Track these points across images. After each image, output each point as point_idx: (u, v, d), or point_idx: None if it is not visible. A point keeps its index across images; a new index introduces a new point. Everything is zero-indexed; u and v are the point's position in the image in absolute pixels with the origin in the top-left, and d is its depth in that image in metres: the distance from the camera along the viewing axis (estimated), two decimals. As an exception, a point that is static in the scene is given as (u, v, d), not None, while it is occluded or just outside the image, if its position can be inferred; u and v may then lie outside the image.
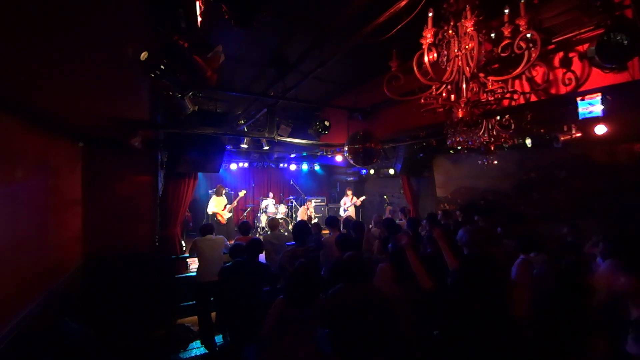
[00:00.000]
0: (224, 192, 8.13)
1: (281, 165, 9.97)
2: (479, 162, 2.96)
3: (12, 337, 2.47)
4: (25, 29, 1.58)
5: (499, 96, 2.06)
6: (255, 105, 5.90)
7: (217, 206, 7.87)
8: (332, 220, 4.55)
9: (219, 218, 7.85)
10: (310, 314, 2.43)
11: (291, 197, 9.85)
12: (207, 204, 8.68)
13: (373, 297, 2.58)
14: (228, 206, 7.99)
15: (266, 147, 7.20)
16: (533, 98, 2.93)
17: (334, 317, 2.56)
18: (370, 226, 5.38)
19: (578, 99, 2.99)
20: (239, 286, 3.35)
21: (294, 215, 9.42)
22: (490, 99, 2.04)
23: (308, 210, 9.00)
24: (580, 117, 3.04)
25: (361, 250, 3.78)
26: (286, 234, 6.44)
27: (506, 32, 1.97)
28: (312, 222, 5.28)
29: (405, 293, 2.69)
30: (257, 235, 7.55)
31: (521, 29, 1.85)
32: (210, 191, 9.05)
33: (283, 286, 2.88)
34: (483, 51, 1.98)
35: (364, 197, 9.44)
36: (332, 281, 2.88)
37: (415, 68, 2.07)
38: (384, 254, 3.60)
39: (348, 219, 5.92)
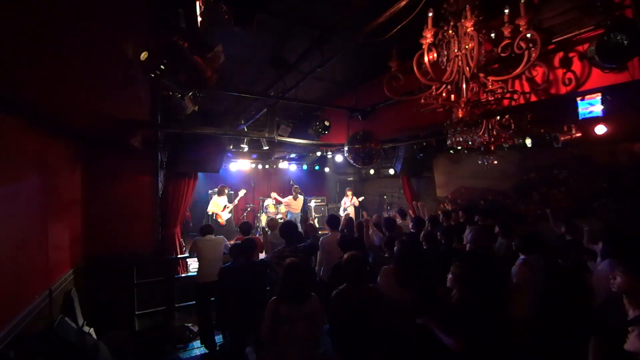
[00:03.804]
0: (226, 192, 8.12)
1: (281, 165, 9.97)
2: (479, 162, 2.96)
3: (12, 337, 2.47)
4: (25, 30, 1.58)
5: (499, 96, 2.06)
6: (255, 105, 5.89)
7: (217, 206, 7.86)
8: (332, 219, 4.54)
9: (218, 219, 7.84)
10: (304, 312, 2.44)
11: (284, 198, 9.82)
12: (208, 204, 8.69)
13: (377, 297, 2.59)
14: (229, 205, 8.00)
15: (266, 147, 7.20)
16: (533, 98, 2.93)
17: (338, 316, 2.56)
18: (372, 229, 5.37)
19: (578, 99, 2.99)
20: (238, 286, 3.35)
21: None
22: (490, 99, 2.04)
23: (296, 201, 8.91)
24: (580, 117, 3.04)
25: (364, 250, 3.77)
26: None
27: (506, 32, 1.97)
28: (308, 221, 5.23)
29: (408, 295, 2.69)
30: (258, 235, 7.55)
31: (521, 29, 1.85)
32: (210, 191, 9.05)
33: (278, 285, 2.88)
34: (483, 51, 1.98)
35: (362, 198, 9.44)
36: (335, 281, 2.88)
37: (415, 68, 2.07)
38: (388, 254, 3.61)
39: (349, 219, 5.91)
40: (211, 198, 8.66)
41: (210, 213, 7.94)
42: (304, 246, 3.74)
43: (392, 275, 2.84)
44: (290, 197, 8.92)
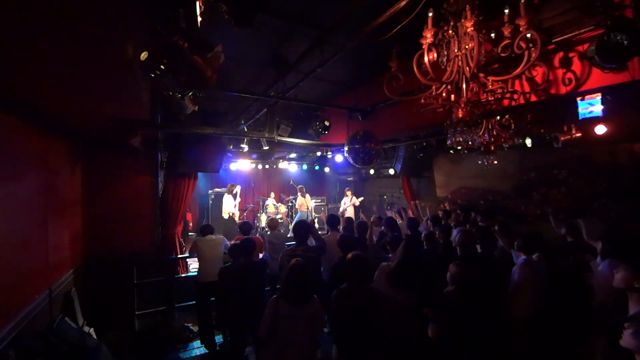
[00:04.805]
0: (234, 190, 8.24)
1: (281, 165, 9.97)
2: (479, 162, 2.95)
3: (12, 337, 2.47)
4: (25, 30, 1.58)
5: (499, 96, 2.05)
6: (255, 105, 5.90)
7: (231, 205, 7.98)
8: (332, 219, 4.54)
9: (235, 217, 8.03)
10: (305, 312, 2.44)
11: (291, 197, 9.85)
12: (210, 205, 8.72)
13: (377, 298, 2.59)
14: (236, 203, 8.13)
15: (266, 147, 7.20)
16: (533, 98, 2.93)
17: (338, 316, 2.56)
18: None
19: (578, 99, 2.99)
20: (238, 286, 3.35)
21: (294, 216, 9.42)
22: (490, 99, 2.04)
23: (305, 200, 9.02)
24: (580, 117, 3.03)
25: (364, 250, 3.78)
26: (289, 235, 6.43)
27: (506, 32, 1.97)
28: (311, 219, 5.25)
29: (401, 295, 2.69)
30: (258, 235, 7.56)
31: (521, 29, 1.85)
32: (210, 191, 9.07)
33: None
34: (483, 51, 1.98)
35: (362, 198, 9.45)
36: (336, 281, 2.88)
37: (415, 68, 2.07)
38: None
39: (349, 219, 5.92)
40: (211, 198, 8.71)
41: (225, 214, 8.00)
42: (315, 246, 3.76)
43: (384, 275, 2.84)
44: (299, 195, 9.04)
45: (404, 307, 2.66)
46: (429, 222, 4.91)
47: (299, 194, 9.05)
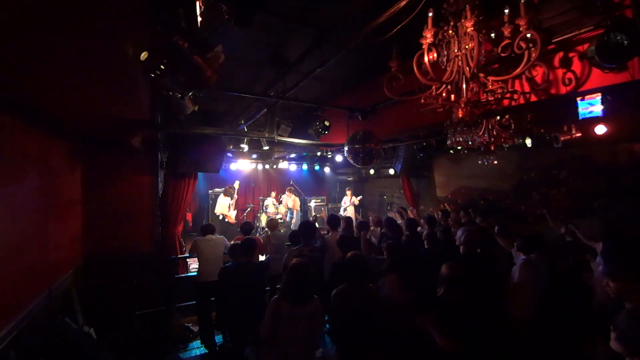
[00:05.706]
0: (232, 193, 8.26)
1: (281, 165, 9.97)
2: (479, 162, 2.96)
3: (13, 337, 2.47)
4: (26, 30, 1.58)
5: (499, 96, 2.05)
6: (255, 105, 5.90)
7: (224, 207, 7.98)
8: (332, 219, 4.54)
9: (228, 219, 8.05)
10: (306, 312, 2.44)
11: (283, 195, 9.86)
12: (210, 205, 8.74)
13: (377, 298, 2.59)
14: (232, 203, 8.13)
15: (266, 147, 7.21)
16: (533, 98, 2.93)
17: (338, 316, 2.56)
18: (372, 228, 5.37)
19: (578, 99, 2.99)
20: (238, 286, 3.35)
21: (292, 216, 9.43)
22: (490, 99, 2.04)
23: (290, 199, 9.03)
24: (580, 117, 3.04)
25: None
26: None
27: (506, 32, 1.97)
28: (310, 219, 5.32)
29: (413, 298, 2.69)
30: (257, 235, 7.57)
31: (521, 29, 1.85)
32: (210, 191, 9.07)
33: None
34: (483, 51, 1.98)
35: (361, 197, 9.48)
36: (335, 281, 2.88)
37: (415, 68, 2.07)
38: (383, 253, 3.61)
39: (348, 219, 5.92)
40: (211, 198, 8.71)
41: (218, 214, 8.04)
42: (320, 246, 3.77)
43: (396, 282, 2.83)
44: (293, 195, 9.05)
45: (404, 307, 2.66)
46: (425, 223, 4.91)
47: (291, 194, 9.05)
